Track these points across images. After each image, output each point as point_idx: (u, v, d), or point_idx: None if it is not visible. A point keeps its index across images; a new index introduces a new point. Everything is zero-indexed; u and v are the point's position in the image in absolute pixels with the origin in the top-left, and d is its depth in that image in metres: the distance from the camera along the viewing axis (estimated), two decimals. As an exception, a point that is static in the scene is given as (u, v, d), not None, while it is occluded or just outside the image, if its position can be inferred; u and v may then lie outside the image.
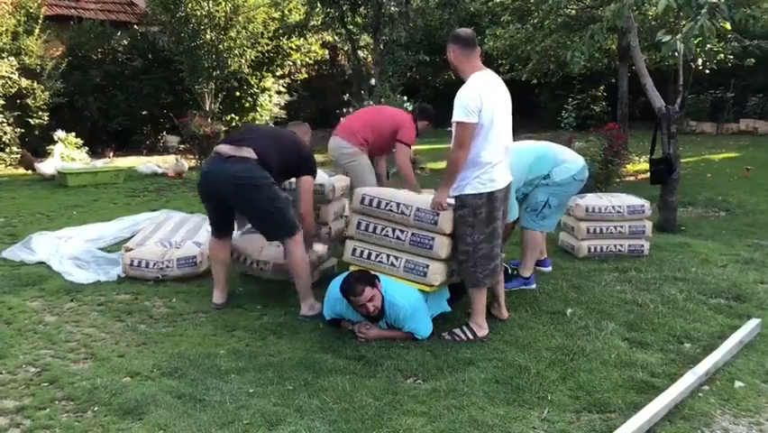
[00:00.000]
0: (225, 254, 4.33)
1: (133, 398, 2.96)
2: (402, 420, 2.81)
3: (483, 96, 3.52)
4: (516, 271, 4.57)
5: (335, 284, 3.71)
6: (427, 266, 3.68)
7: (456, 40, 3.68)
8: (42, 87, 11.13)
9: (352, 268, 3.90)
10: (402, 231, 3.77)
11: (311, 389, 3.11)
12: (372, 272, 3.70)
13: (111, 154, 11.69)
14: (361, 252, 3.90)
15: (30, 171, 9.93)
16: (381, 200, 3.83)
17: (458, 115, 3.53)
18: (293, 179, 4.33)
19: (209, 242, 4.39)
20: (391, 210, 3.78)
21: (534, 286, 4.56)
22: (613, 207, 5.39)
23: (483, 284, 3.72)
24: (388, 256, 3.81)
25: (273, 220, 4.02)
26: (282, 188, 4.20)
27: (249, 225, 4.59)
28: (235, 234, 4.51)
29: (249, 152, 3.95)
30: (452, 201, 3.68)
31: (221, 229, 4.26)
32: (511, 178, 3.83)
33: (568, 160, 4.57)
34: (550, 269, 4.98)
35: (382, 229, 3.82)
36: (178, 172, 10.08)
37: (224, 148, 4.05)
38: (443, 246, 3.66)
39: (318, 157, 5.17)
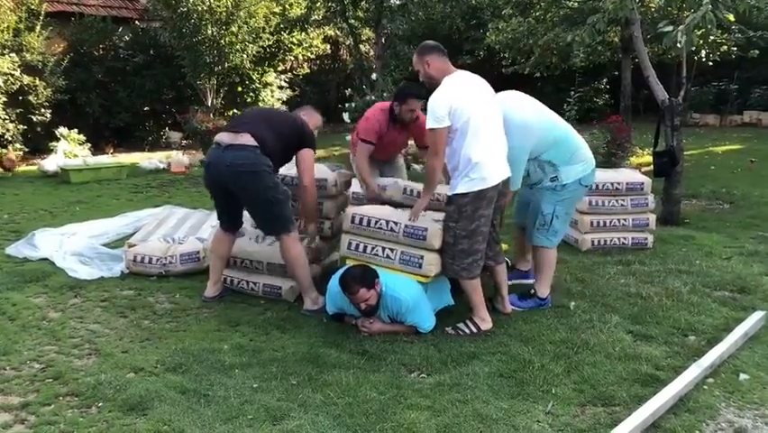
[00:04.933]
0: (225, 249, 4.30)
1: (138, 393, 2.96)
2: (406, 414, 2.81)
3: (453, 97, 3.53)
4: (533, 291, 4.21)
5: (336, 278, 3.71)
6: (422, 257, 3.69)
7: (435, 48, 3.72)
8: (44, 83, 11.12)
9: (348, 262, 3.90)
10: (395, 223, 3.79)
11: (315, 383, 3.11)
12: (372, 268, 3.69)
13: (111, 151, 11.68)
14: (357, 245, 3.90)
15: (9, 172, 9.77)
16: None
17: (429, 123, 3.56)
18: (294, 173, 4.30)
19: (214, 233, 4.38)
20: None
21: (549, 306, 4.13)
22: (616, 201, 5.38)
23: (459, 276, 3.71)
24: (384, 249, 3.82)
25: (272, 211, 3.99)
26: (284, 182, 4.19)
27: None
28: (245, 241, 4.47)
29: (248, 139, 3.91)
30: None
31: (226, 222, 4.24)
32: (508, 173, 3.75)
33: (581, 159, 4.07)
34: (532, 281, 4.39)
35: (376, 222, 3.84)
36: (181, 168, 10.08)
37: (223, 137, 4.02)
38: (436, 236, 3.67)
39: (320, 152, 5.11)
